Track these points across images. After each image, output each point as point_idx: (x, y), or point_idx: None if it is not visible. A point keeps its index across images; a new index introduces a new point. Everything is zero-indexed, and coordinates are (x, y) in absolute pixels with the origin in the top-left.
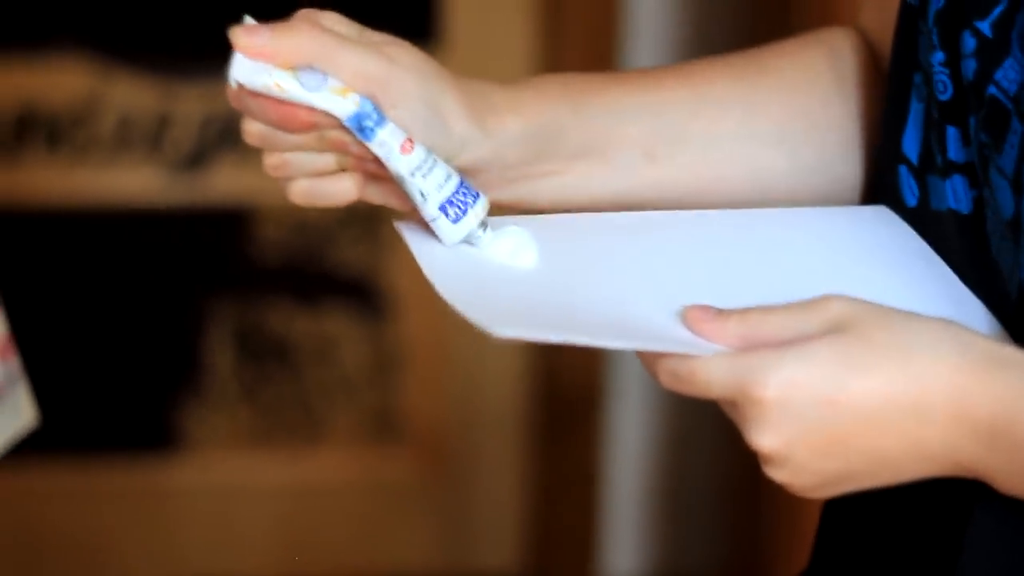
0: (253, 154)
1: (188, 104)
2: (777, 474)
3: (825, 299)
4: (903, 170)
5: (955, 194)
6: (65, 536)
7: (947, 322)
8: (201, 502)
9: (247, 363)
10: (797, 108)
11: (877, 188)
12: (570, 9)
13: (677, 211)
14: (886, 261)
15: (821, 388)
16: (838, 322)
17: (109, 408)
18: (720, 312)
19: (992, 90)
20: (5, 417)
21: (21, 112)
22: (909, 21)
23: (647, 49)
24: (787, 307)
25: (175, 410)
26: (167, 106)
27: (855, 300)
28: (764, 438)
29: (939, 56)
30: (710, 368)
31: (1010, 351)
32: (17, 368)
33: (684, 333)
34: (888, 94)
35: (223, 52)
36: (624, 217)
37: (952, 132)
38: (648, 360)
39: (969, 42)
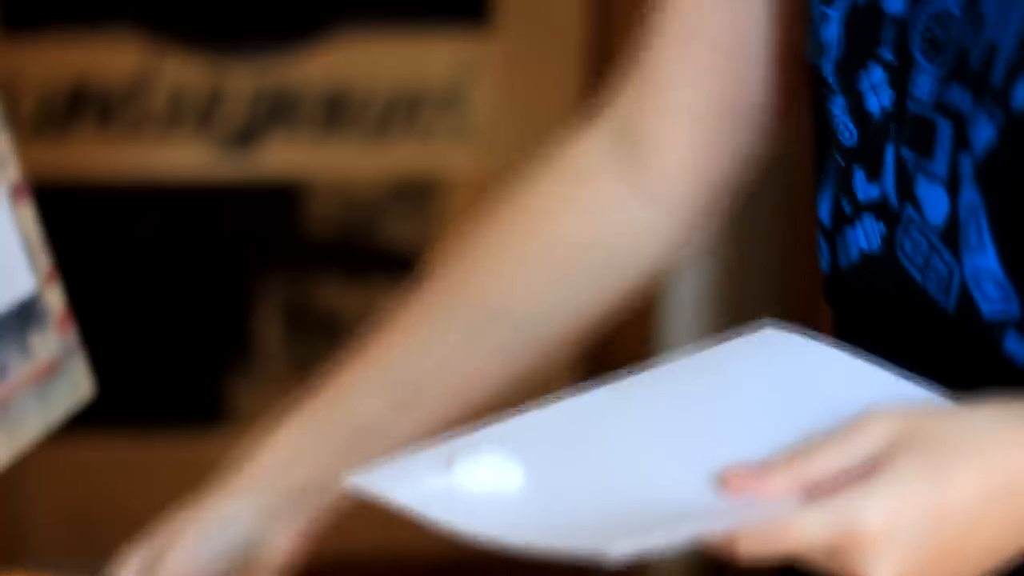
0: (303, 130)
1: (239, 80)
2: None
3: (866, 420)
4: (820, 237)
5: (866, 234)
6: (116, 507)
7: (990, 400)
8: None
9: (296, 338)
10: None
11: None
12: None
13: (616, 384)
14: (815, 376)
15: (923, 503)
16: (895, 437)
17: (160, 381)
18: (760, 467)
19: (912, 107)
20: (63, 388)
21: (74, 88)
22: (816, 83)
23: None
24: (828, 440)
25: (225, 384)
26: (218, 82)
27: (894, 412)
28: (883, 570)
29: (839, 102)
30: (805, 521)
31: None
32: (75, 340)
33: (737, 504)
34: (815, 160)
35: (273, 29)
36: (572, 401)
37: (859, 173)
38: (720, 542)
39: (875, 74)
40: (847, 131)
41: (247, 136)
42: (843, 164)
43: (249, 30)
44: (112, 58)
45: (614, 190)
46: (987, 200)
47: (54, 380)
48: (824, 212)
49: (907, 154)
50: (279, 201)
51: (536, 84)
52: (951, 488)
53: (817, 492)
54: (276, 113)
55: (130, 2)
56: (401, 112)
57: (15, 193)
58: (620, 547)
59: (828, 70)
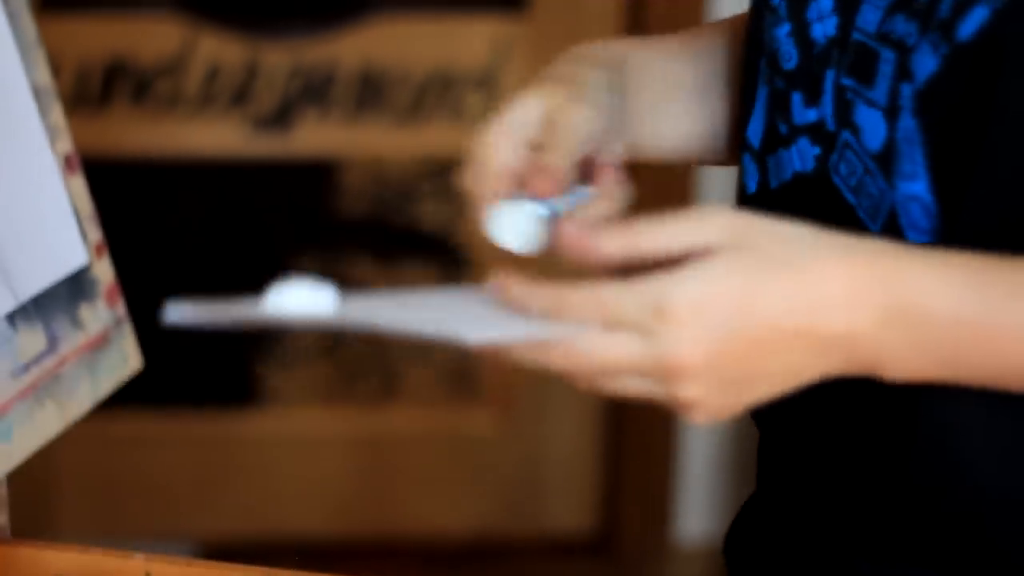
0: (337, 109)
1: (274, 58)
2: (689, 390)
3: (701, 212)
4: (746, 158)
5: (801, 156)
6: (144, 485)
7: (834, 232)
8: (279, 454)
9: None
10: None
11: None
12: None
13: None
14: None
15: (733, 300)
16: (724, 236)
17: (191, 360)
18: (599, 233)
19: (856, 36)
20: (112, 361)
21: (111, 64)
22: (757, 9)
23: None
24: (661, 221)
25: (256, 363)
26: (254, 60)
27: (729, 214)
28: (684, 353)
29: (785, 28)
30: (620, 298)
31: (892, 245)
32: (123, 313)
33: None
34: (741, 87)
35: (310, 8)
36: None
37: (797, 97)
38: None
39: (823, 2)
40: (789, 56)
41: (282, 115)
42: (781, 87)
43: (285, 9)
44: (149, 36)
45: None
46: (925, 129)
47: (103, 352)
48: (754, 134)
49: (847, 81)
50: (312, 179)
51: None
52: (762, 295)
53: (635, 268)
54: (311, 92)
55: None
56: (435, 92)
57: (67, 164)
58: (477, 336)
59: None
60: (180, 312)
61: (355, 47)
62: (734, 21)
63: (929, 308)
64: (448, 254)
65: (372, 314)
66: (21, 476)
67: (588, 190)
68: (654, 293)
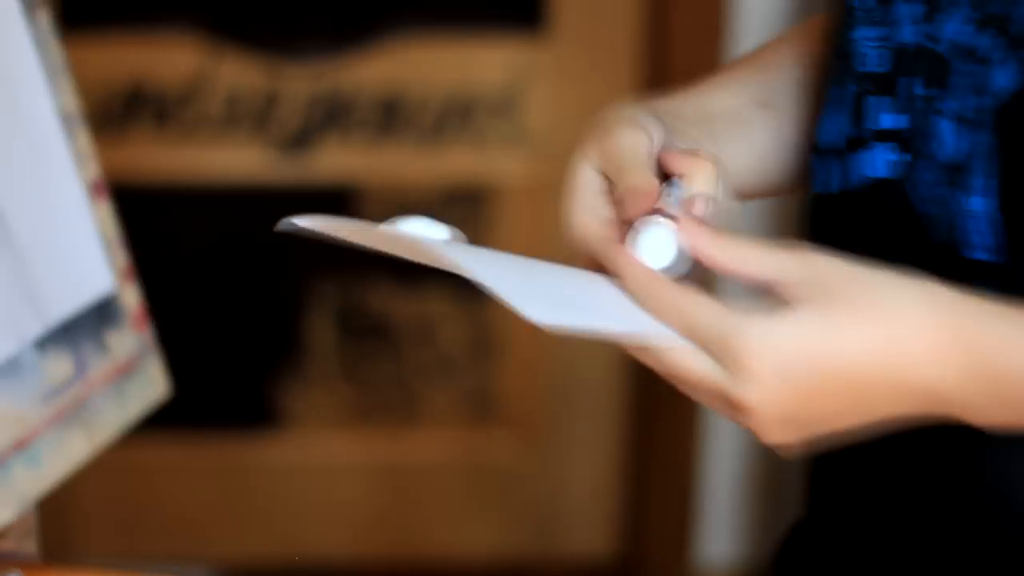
0: (358, 134)
1: (295, 83)
2: (772, 432)
3: (793, 254)
4: (815, 159)
5: (874, 162)
6: (165, 510)
7: (918, 281)
8: (300, 479)
9: (348, 342)
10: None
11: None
12: None
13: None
14: None
15: (810, 350)
16: (811, 279)
17: (210, 384)
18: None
19: (939, 46)
20: (139, 387)
21: (131, 88)
22: (838, 9)
23: (754, 32)
24: (756, 250)
25: (276, 387)
26: (274, 85)
27: (821, 258)
28: (758, 399)
29: (868, 31)
30: (686, 356)
31: (975, 301)
32: (150, 339)
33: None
34: (816, 87)
35: (329, 32)
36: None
37: (875, 102)
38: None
39: (908, 8)
40: (871, 59)
41: (302, 139)
42: (858, 91)
43: (305, 33)
44: (169, 59)
45: None
46: (1000, 146)
47: (130, 378)
48: (825, 134)
49: (927, 90)
50: (333, 204)
51: (590, 91)
52: (843, 346)
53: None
54: (331, 116)
55: (188, 3)
56: (455, 117)
57: (94, 190)
58: (544, 317)
59: None
60: (296, 223)
61: (375, 70)
62: (806, 28)
63: (1011, 365)
64: (468, 280)
65: (473, 261)
66: (46, 504)
67: (678, 181)
68: (735, 330)
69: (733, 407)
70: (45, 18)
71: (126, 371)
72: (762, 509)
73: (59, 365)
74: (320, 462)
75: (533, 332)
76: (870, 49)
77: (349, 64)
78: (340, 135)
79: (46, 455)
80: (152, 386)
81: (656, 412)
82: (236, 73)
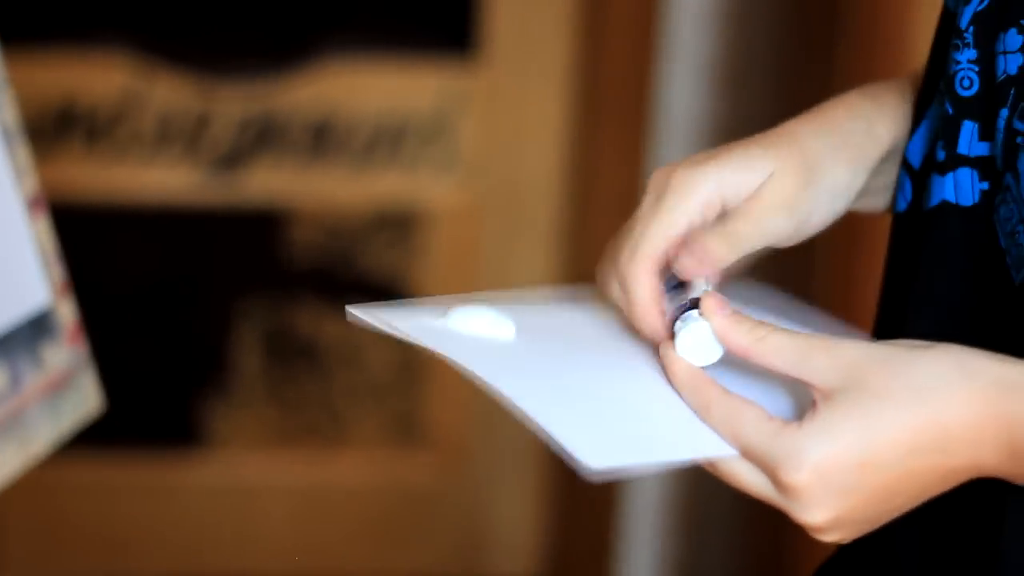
0: (288, 156)
1: (227, 104)
2: (829, 537)
3: (821, 353)
4: (902, 174)
5: (957, 187)
6: (87, 529)
7: (951, 352)
8: (224, 500)
9: (274, 363)
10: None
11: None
12: (609, 21)
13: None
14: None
15: (852, 457)
16: (842, 378)
17: (136, 403)
18: (733, 314)
19: None
20: (74, 401)
21: (63, 106)
22: (945, 28)
23: (685, 59)
24: (794, 335)
25: (201, 407)
26: (206, 105)
27: (862, 346)
28: (812, 516)
29: (970, 54)
30: (740, 471)
31: (1015, 371)
32: (85, 354)
33: (699, 428)
34: (914, 103)
35: (262, 54)
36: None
37: (969, 126)
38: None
39: (1012, 39)
40: (967, 83)
41: (233, 160)
42: (951, 113)
43: (238, 54)
44: (101, 77)
45: None
46: None
47: (65, 392)
48: (913, 152)
49: (1019, 124)
50: (262, 226)
51: (521, 115)
52: (879, 442)
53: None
54: (263, 138)
55: (119, 22)
56: (386, 141)
57: (32, 205)
58: (599, 463)
59: (965, 19)
60: (361, 313)
61: (307, 93)
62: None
63: None
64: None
65: (528, 374)
66: None
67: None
68: (778, 451)
69: (795, 520)
70: None
71: (61, 385)
72: (684, 531)
73: None
74: (245, 483)
75: None
76: (970, 73)
77: (282, 86)
78: (271, 157)
79: None
80: (86, 401)
81: None
82: (168, 93)
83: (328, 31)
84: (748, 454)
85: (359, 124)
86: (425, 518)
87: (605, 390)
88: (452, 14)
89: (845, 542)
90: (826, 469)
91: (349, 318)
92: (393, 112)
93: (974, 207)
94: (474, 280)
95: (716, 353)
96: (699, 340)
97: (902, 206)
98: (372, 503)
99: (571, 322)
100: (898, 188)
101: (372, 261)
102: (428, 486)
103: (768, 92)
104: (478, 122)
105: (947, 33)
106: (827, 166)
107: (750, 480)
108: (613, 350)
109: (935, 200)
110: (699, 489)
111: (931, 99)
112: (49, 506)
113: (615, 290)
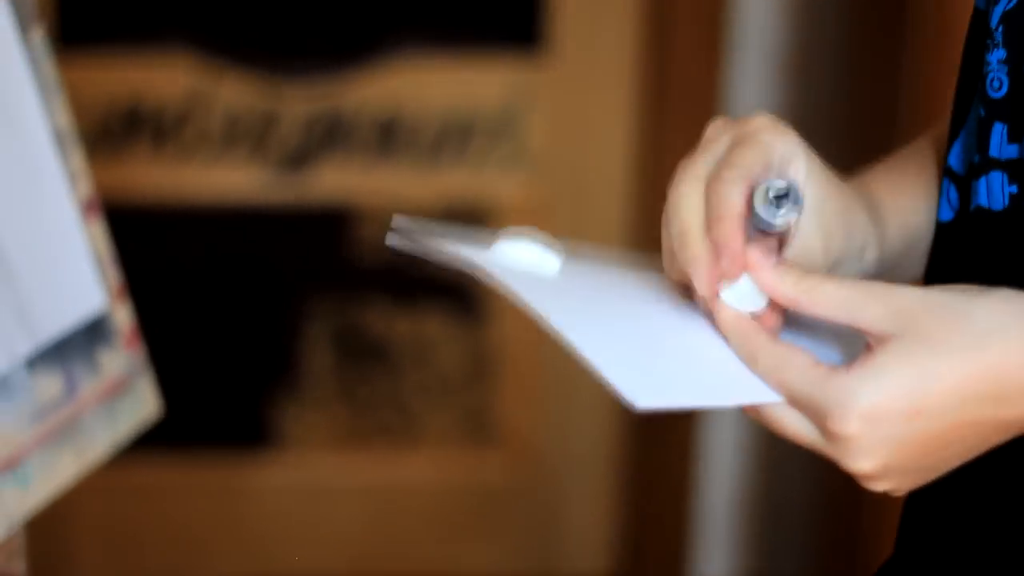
0: (356, 154)
1: (293, 103)
2: (879, 486)
3: (876, 297)
4: (945, 182)
5: (989, 191)
6: (159, 531)
7: (1010, 299)
8: (294, 500)
9: (344, 363)
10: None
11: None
12: (676, 16)
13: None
14: None
15: (903, 405)
16: (897, 323)
17: (207, 404)
18: (779, 265)
19: None
20: (130, 407)
21: (129, 107)
22: (976, 28)
23: (753, 50)
24: (838, 289)
25: (272, 408)
26: (272, 105)
27: (905, 297)
28: (860, 463)
29: (999, 54)
30: (786, 418)
31: None
32: (142, 358)
33: (742, 374)
34: (952, 109)
35: (329, 52)
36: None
37: (999, 128)
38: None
39: None
40: (997, 83)
41: (300, 159)
42: (984, 116)
43: (304, 53)
44: (167, 78)
45: None
46: None
47: (121, 398)
48: (955, 158)
49: None
50: (330, 225)
51: (589, 112)
52: (932, 390)
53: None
54: (329, 136)
55: (186, 23)
56: (454, 138)
57: (87, 209)
58: (646, 401)
59: (995, 18)
60: (402, 234)
61: (374, 91)
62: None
63: None
64: (465, 301)
65: (563, 318)
66: (36, 524)
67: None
68: (826, 396)
69: (842, 467)
70: (39, 36)
71: (117, 390)
72: (759, 529)
73: (49, 384)
74: (315, 483)
75: (531, 352)
76: (1000, 74)
77: (349, 84)
78: (339, 155)
79: (35, 474)
80: (143, 405)
81: (653, 430)
82: (234, 92)
83: (395, 28)
84: (795, 401)
85: (426, 121)
86: (497, 516)
87: (653, 331)
88: (519, 9)
89: (897, 493)
90: (876, 416)
91: (389, 242)
92: (460, 108)
93: (1004, 211)
94: None
95: (761, 302)
96: (744, 293)
97: (946, 216)
98: (444, 502)
99: (618, 271)
100: (942, 197)
101: None
102: (500, 484)
103: (837, 84)
104: (545, 118)
105: (979, 34)
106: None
107: (796, 428)
108: (661, 296)
109: (972, 205)
110: (774, 486)
111: (967, 103)
112: (121, 508)
113: (680, 223)
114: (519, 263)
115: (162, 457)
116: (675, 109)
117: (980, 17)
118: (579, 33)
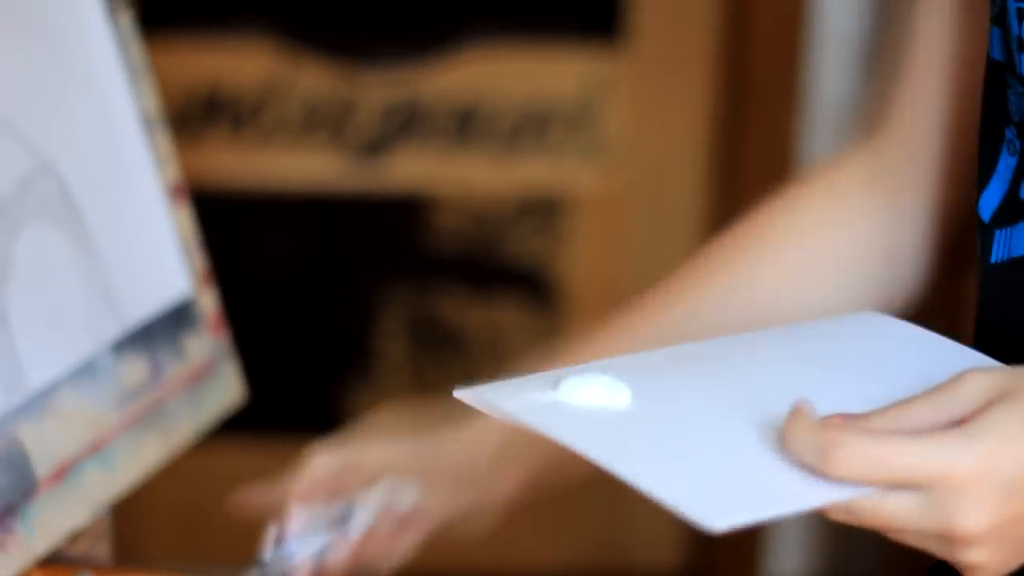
0: (433, 143)
1: (371, 91)
2: (973, 555)
3: (963, 378)
4: (979, 231)
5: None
6: (232, 516)
7: None
8: None
9: (418, 351)
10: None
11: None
12: (756, 4)
13: (725, 338)
14: (907, 353)
15: (1017, 453)
16: (992, 394)
17: (281, 390)
18: (859, 416)
19: None
20: (215, 392)
21: (207, 94)
22: (995, 77)
23: (834, 38)
24: (925, 395)
25: (346, 395)
26: (351, 92)
27: (991, 371)
28: (975, 515)
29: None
30: (904, 459)
31: None
32: (227, 344)
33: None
34: (979, 154)
35: (407, 40)
36: (678, 348)
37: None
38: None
39: None
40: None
41: (377, 147)
42: (1016, 163)
43: (382, 40)
44: (246, 64)
45: (875, 217)
46: None
47: (206, 383)
48: (986, 206)
49: None
50: (407, 213)
51: (667, 102)
52: None
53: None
54: (407, 125)
55: (265, 9)
56: (531, 127)
57: (174, 193)
58: (721, 523)
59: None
60: (469, 396)
61: (451, 80)
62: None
63: None
64: (541, 290)
65: (623, 460)
66: (119, 506)
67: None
68: (939, 458)
69: (947, 539)
70: (127, 19)
71: (202, 375)
72: (833, 526)
73: (135, 368)
74: None
75: None
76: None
77: (426, 72)
78: (416, 143)
79: (120, 458)
80: (228, 391)
81: None
82: (313, 79)
83: (472, 17)
84: (897, 478)
85: (503, 110)
86: (568, 509)
87: (722, 448)
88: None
89: (987, 566)
90: (994, 460)
91: (456, 396)
92: (537, 98)
93: None
94: (618, 267)
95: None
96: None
97: (990, 258)
98: None
99: (689, 383)
100: (980, 242)
101: (516, 248)
102: None
103: None
104: (623, 108)
105: (997, 83)
106: None
107: (895, 508)
108: (732, 409)
109: (1020, 251)
110: None
111: (997, 148)
112: (194, 493)
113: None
114: (586, 402)
115: (237, 443)
116: (755, 99)
117: (996, 67)
118: (658, 23)
